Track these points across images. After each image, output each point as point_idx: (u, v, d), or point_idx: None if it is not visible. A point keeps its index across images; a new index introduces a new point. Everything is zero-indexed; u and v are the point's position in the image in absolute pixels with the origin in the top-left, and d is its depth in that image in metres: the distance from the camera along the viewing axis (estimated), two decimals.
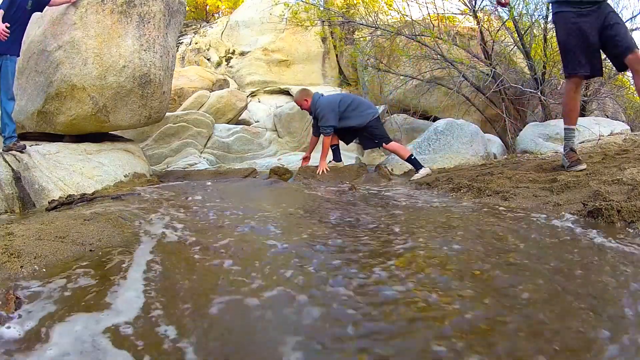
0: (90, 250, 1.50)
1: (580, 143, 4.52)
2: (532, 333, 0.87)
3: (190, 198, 2.77)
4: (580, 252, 1.34)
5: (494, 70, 6.00)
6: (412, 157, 3.78)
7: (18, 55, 3.38)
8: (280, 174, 3.92)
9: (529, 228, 1.65)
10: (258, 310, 1.03)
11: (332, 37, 11.29)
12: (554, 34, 6.07)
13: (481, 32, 6.38)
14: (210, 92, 8.72)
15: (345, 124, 3.88)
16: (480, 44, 6.44)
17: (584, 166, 2.62)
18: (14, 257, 1.32)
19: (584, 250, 1.36)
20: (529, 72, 6.34)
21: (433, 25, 6.57)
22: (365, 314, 0.98)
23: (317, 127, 4.00)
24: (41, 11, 3.52)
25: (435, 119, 6.21)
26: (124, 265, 1.36)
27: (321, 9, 7.90)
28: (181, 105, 8.27)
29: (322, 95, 4.01)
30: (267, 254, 1.47)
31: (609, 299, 1.02)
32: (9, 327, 0.96)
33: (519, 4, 5.91)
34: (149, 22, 3.65)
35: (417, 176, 3.60)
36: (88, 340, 0.92)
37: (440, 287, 1.10)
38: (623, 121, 6.09)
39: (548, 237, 1.52)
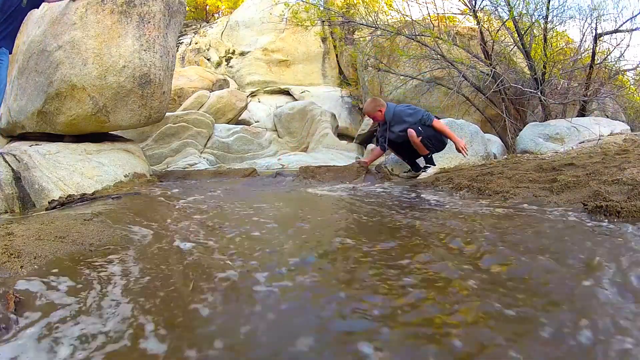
0: (90, 250, 1.50)
1: (580, 143, 4.52)
2: None
3: (191, 198, 2.77)
4: None
5: (494, 70, 6.01)
6: (429, 156, 3.77)
7: (10, 52, 3.39)
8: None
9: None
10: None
11: (332, 37, 11.30)
12: (554, 33, 6.09)
13: (481, 32, 6.38)
14: (210, 92, 8.72)
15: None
16: (480, 44, 6.45)
17: None
18: (14, 257, 1.32)
19: None
20: (529, 72, 6.34)
21: (433, 25, 6.57)
22: None
23: (382, 142, 3.83)
24: (38, 7, 3.52)
25: None
26: (122, 267, 1.36)
27: (321, 9, 7.90)
28: (181, 105, 8.27)
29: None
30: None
31: None
32: (8, 326, 0.96)
33: (519, 4, 5.92)
34: (149, 22, 3.65)
35: (425, 174, 3.64)
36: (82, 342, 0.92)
37: None
38: (623, 121, 6.09)
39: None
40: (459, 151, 3.64)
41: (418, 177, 3.63)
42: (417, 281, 1.15)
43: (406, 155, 3.91)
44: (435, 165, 3.77)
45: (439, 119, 3.76)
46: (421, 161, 3.89)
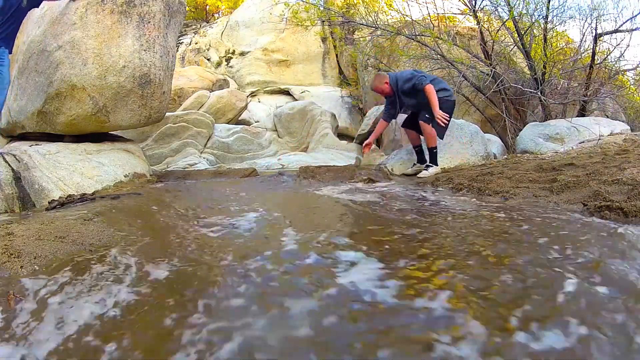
0: (90, 250, 1.50)
1: (580, 143, 4.52)
2: None
3: (192, 198, 2.77)
4: None
5: (494, 70, 6.01)
6: (434, 151, 3.77)
7: (10, 52, 3.40)
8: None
9: None
10: None
11: (332, 37, 11.31)
12: (554, 33, 6.09)
13: (481, 32, 6.39)
14: (210, 92, 8.72)
15: (441, 86, 3.75)
16: (480, 44, 6.45)
17: None
18: (14, 257, 1.32)
19: None
20: (529, 72, 6.35)
21: (433, 25, 6.58)
22: None
23: (390, 111, 3.90)
24: (37, 7, 3.53)
25: None
26: (122, 267, 1.36)
27: (321, 8, 7.91)
28: (181, 105, 8.28)
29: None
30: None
31: None
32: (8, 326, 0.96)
33: (519, 4, 5.92)
34: (149, 22, 3.65)
35: (425, 173, 3.65)
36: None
37: None
38: (623, 121, 6.09)
39: None
40: (437, 121, 3.58)
41: (418, 176, 3.64)
42: None
43: (418, 129, 3.84)
44: (437, 165, 3.78)
45: (439, 82, 3.73)
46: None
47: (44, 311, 1.05)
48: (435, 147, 3.75)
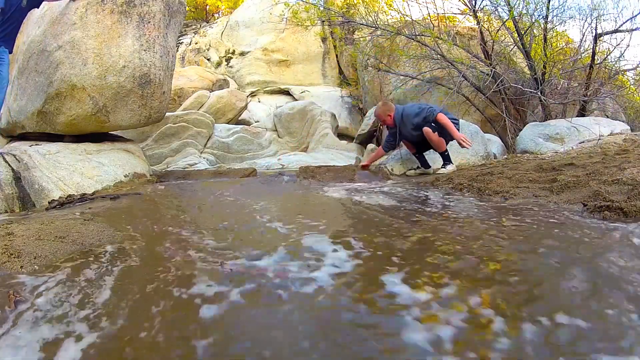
0: (90, 250, 1.50)
1: (580, 143, 4.52)
2: None
3: (192, 198, 2.77)
4: None
5: (494, 70, 6.01)
6: (446, 153, 3.85)
7: (10, 52, 3.41)
8: None
9: None
10: None
11: (332, 37, 11.31)
12: (554, 33, 6.09)
13: (481, 32, 6.38)
14: (210, 92, 8.73)
15: (449, 115, 3.82)
16: (480, 44, 6.45)
17: None
18: (14, 257, 1.32)
19: None
20: (529, 72, 6.34)
21: (433, 25, 6.58)
22: None
23: (392, 143, 4.00)
24: (38, 7, 3.54)
25: None
26: (121, 267, 1.36)
27: (321, 9, 7.91)
28: (181, 105, 8.28)
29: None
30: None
31: None
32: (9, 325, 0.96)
33: (519, 4, 5.92)
34: (149, 22, 3.65)
35: (443, 171, 3.75)
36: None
37: None
38: (623, 121, 6.09)
39: None
40: (462, 145, 3.64)
41: (436, 174, 3.73)
42: None
43: (418, 149, 4.00)
44: (452, 163, 3.83)
45: (445, 113, 3.80)
46: (427, 157, 4.02)
47: (40, 312, 1.05)
48: (446, 150, 3.83)
